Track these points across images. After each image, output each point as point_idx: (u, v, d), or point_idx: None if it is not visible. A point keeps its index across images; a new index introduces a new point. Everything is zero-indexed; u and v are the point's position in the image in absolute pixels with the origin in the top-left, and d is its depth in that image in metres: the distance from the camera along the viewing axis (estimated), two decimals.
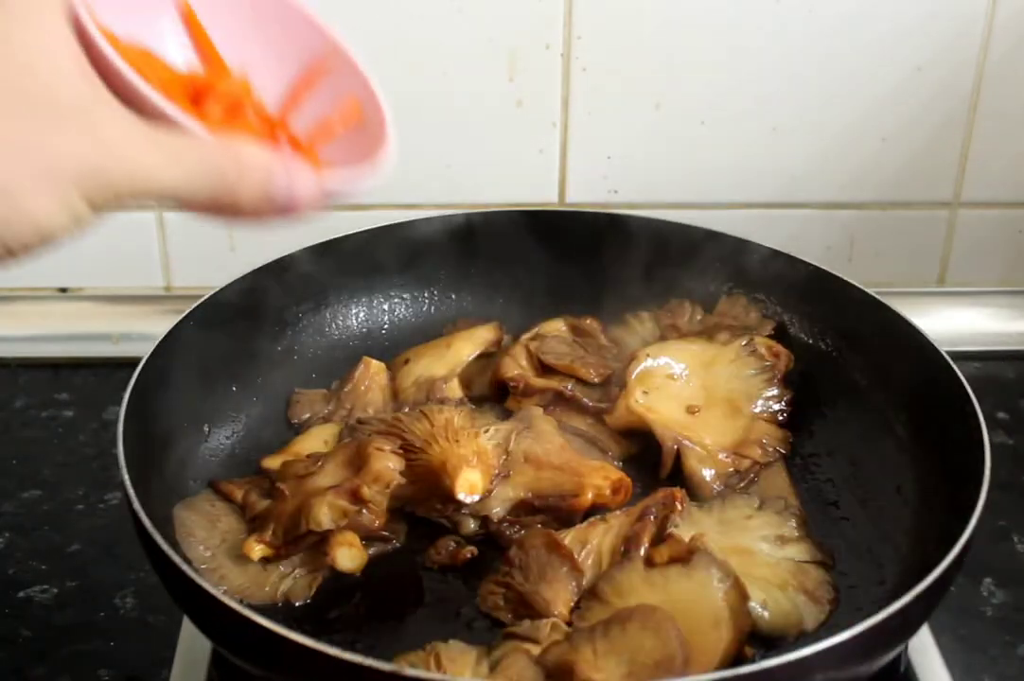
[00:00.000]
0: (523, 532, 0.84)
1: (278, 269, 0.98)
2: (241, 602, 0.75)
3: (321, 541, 0.80)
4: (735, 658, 0.73)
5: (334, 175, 0.62)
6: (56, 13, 0.56)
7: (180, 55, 0.66)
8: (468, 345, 1.02)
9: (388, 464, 0.81)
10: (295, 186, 0.59)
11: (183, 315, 0.90)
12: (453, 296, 1.09)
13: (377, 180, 0.64)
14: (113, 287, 1.25)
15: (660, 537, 0.80)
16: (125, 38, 0.61)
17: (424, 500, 0.86)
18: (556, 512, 0.85)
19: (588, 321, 1.04)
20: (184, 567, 0.68)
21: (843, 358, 0.99)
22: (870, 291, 0.95)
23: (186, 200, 0.57)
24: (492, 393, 0.98)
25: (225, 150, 0.58)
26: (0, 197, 0.50)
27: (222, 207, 0.58)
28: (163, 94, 0.58)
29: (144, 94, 0.57)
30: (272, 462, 0.90)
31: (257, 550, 0.80)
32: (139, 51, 0.62)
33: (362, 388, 0.99)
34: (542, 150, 1.19)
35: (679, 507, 0.82)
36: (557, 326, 1.03)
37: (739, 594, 0.75)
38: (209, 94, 0.64)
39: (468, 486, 0.82)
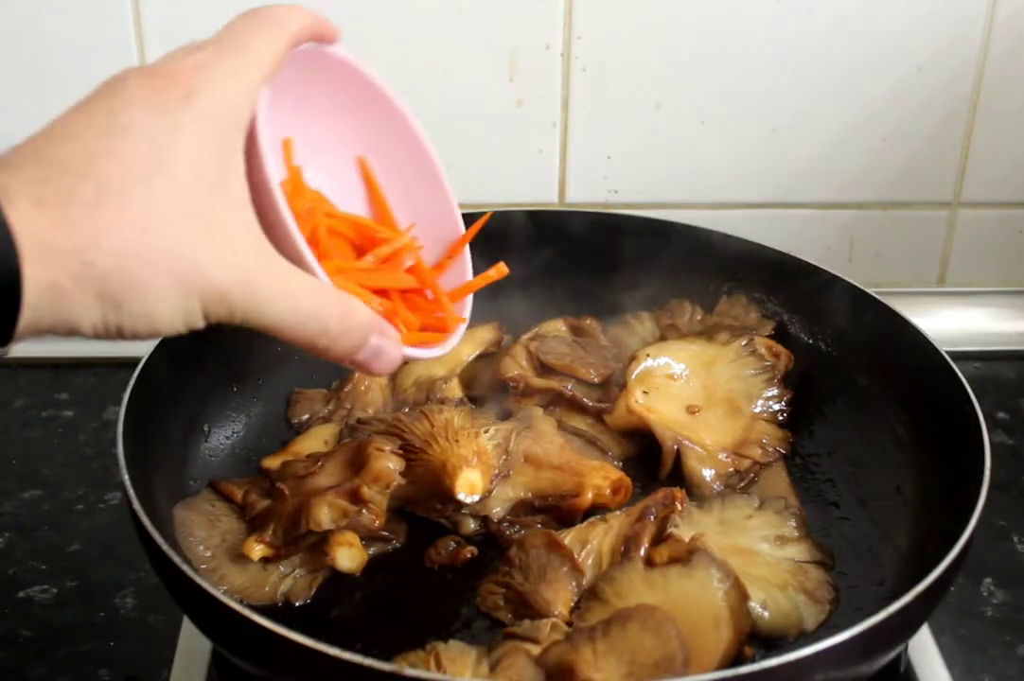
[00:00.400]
0: (523, 532, 0.84)
1: None
2: (241, 602, 0.74)
3: (321, 541, 0.80)
4: (735, 658, 0.73)
5: (414, 350, 0.69)
6: (240, 122, 0.57)
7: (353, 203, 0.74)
8: (468, 345, 1.02)
9: (388, 464, 0.81)
10: (382, 351, 0.64)
11: None
12: None
13: (438, 356, 0.72)
14: None
15: (660, 537, 0.80)
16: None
17: (424, 500, 0.86)
18: (556, 512, 0.85)
19: (588, 321, 1.04)
20: (184, 567, 0.68)
21: (843, 358, 0.99)
22: (870, 291, 0.95)
23: (282, 336, 0.60)
24: (492, 393, 0.98)
25: (339, 305, 0.61)
26: (134, 290, 0.53)
27: (311, 349, 0.61)
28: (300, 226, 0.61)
29: (291, 234, 0.60)
30: (272, 462, 0.90)
31: (257, 550, 0.80)
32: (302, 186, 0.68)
33: (362, 388, 0.99)
34: (542, 150, 1.19)
35: (679, 507, 0.82)
36: (557, 326, 1.03)
37: (739, 594, 0.75)
38: (375, 239, 0.72)
39: (468, 486, 0.82)
